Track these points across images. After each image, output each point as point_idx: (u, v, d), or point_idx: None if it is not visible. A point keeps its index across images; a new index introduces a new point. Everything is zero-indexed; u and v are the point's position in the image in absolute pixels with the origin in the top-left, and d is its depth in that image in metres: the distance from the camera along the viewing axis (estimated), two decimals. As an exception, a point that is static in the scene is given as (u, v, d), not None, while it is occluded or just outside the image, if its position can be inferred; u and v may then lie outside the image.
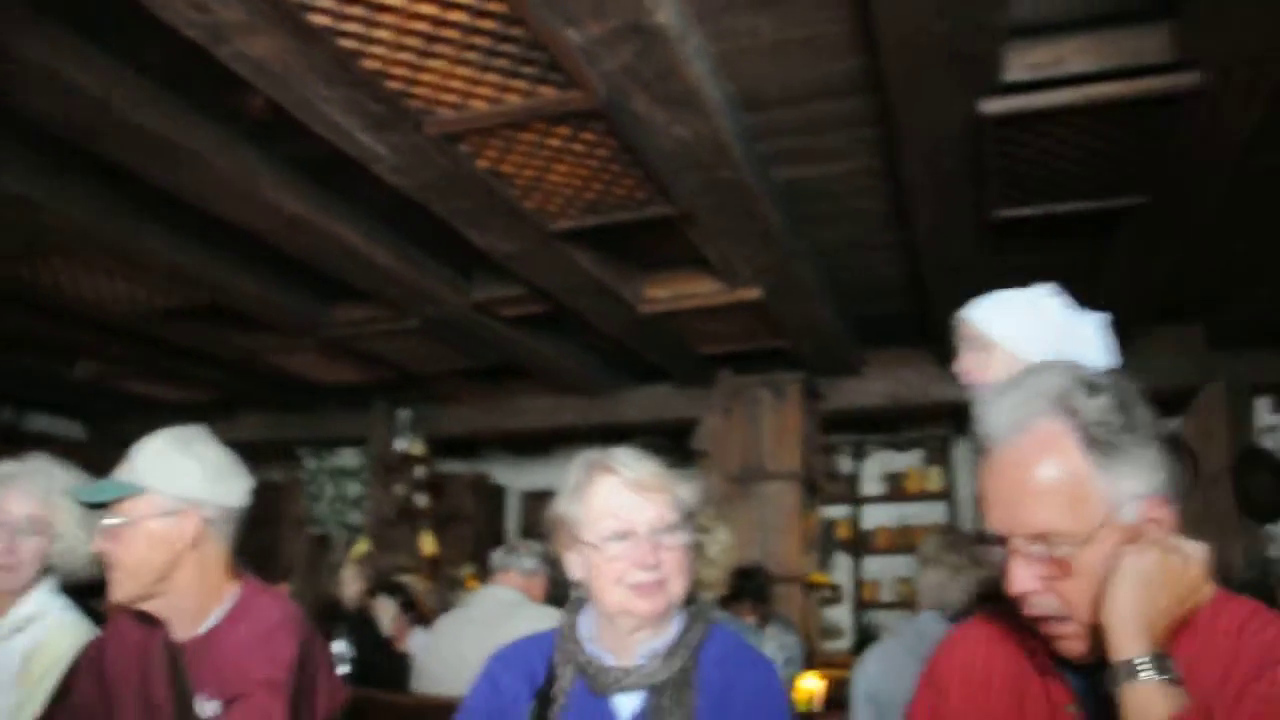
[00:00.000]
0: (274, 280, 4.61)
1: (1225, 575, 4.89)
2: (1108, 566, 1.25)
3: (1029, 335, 2.31)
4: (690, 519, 1.84)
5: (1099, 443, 1.27)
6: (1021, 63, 2.75)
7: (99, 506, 2.08)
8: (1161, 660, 1.18)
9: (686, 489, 1.84)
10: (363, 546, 4.59)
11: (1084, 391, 1.30)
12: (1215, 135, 3.00)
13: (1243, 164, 3.24)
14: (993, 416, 1.33)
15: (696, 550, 3.22)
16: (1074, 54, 2.73)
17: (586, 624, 1.87)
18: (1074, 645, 1.30)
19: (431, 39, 2.43)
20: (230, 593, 2.12)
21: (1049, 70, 2.75)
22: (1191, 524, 4.16)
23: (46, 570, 2.44)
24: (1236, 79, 2.70)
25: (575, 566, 1.84)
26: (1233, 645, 1.24)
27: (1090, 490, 1.27)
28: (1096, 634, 1.25)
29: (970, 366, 2.37)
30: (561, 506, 1.83)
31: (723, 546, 3.42)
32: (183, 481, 2.08)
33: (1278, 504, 5.60)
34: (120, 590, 2.05)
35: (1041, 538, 1.27)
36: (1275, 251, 4.26)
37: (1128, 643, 1.20)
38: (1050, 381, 1.32)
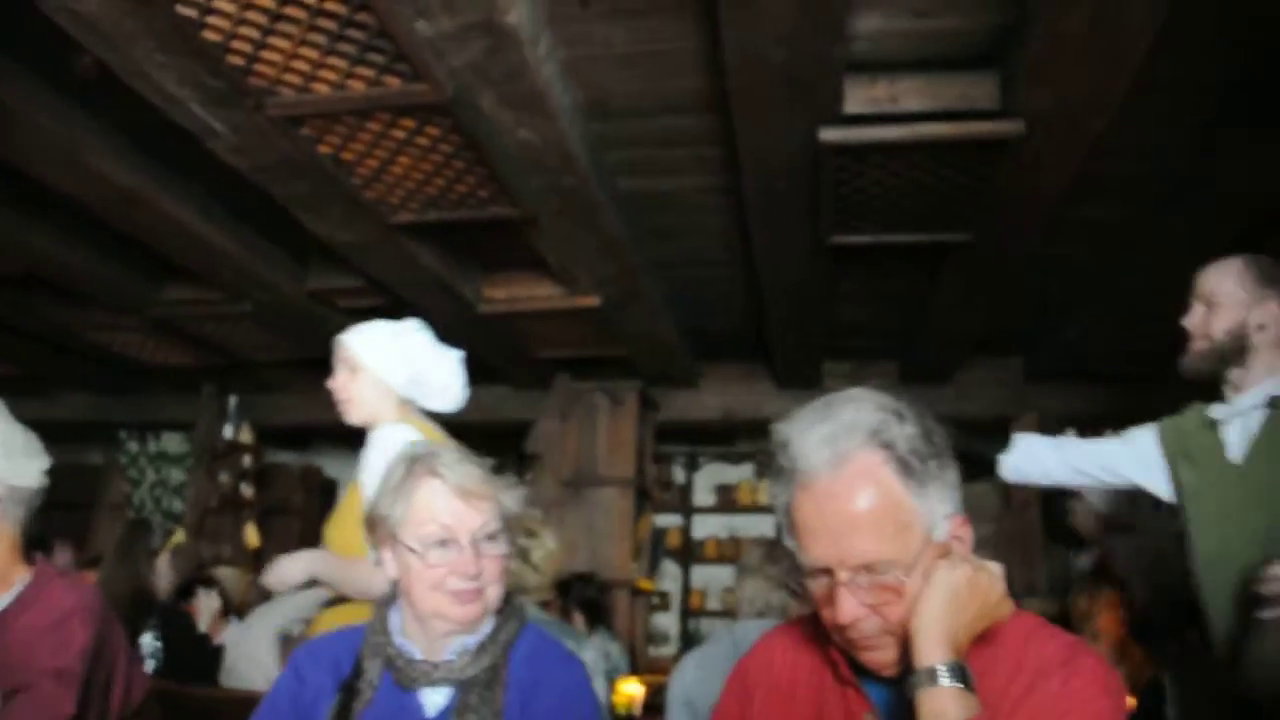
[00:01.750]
0: (99, 253, 4.39)
1: (1029, 595, 5.11)
2: (923, 583, 1.30)
3: (393, 363, 2.68)
4: (511, 526, 1.84)
5: (913, 470, 1.31)
6: (860, 96, 2.85)
7: None
8: (960, 669, 1.24)
9: (510, 495, 1.82)
10: (179, 536, 4.41)
11: (895, 421, 1.33)
12: (1035, 182, 3.16)
13: (1059, 211, 3.42)
14: (808, 450, 1.33)
15: (521, 555, 3.23)
16: (909, 93, 2.84)
17: (397, 618, 1.84)
18: (880, 656, 1.34)
19: (276, 16, 2.37)
20: (20, 578, 2.02)
21: (885, 106, 2.86)
22: (1001, 546, 4.33)
23: None
24: (1056, 130, 2.85)
25: (391, 565, 1.81)
26: (1017, 656, 1.31)
27: (910, 516, 1.30)
28: (904, 645, 1.30)
29: (340, 384, 2.69)
30: (382, 503, 1.80)
31: (547, 552, 3.42)
32: None
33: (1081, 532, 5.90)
34: None
35: (869, 567, 1.30)
36: (1084, 295, 4.51)
37: (931, 651, 1.25)
38: (863, 415, 1.34)
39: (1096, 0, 2.31)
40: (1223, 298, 2.49)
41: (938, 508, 1.33)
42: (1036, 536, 5.81)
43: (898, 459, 1.31)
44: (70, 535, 7.11)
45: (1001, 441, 2.83)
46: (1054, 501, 5.80)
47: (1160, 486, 2.63)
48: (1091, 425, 5.95)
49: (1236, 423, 2.47)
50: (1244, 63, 2.78)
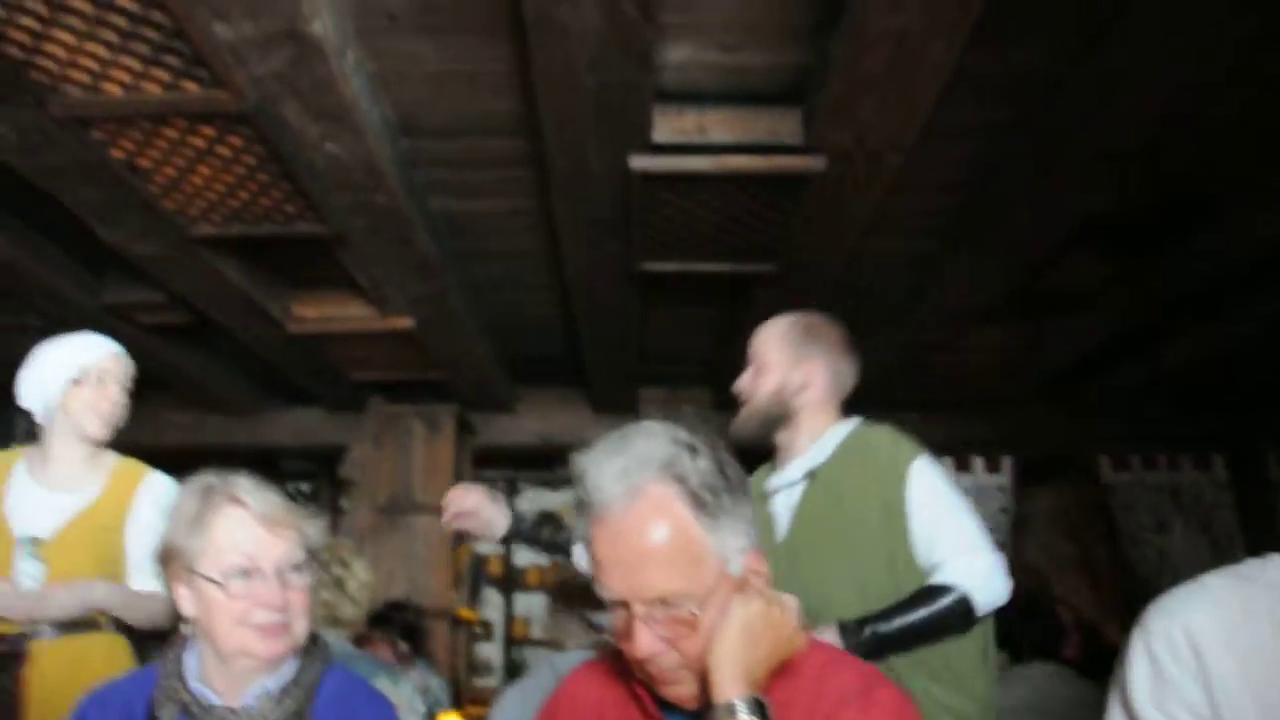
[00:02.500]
0: None
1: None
2: (719, 618, 1.31)
3: None
4: (315, 557, 1.79)
5: (705, 504, 1.33)
6: (669, 126, 2.89)
7: None
8: (758, 703, 1.26)
9: (313, 526, 1.78)
10: None
11: (688, 455, 1.35)
12: (837, 215, 3.27)
13: (860, 244, 3.55)
14: (603, 483, 1.34)
15: (337, 586, 3.14)
16: (716, 125, 2.90)
17: (193, 660, 1.76)
18: (682, 691, 1.35)
19: (58, 7, 2.24)
20: None
21: (693, 137, 2.90)
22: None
23: None
24: (857, 167, 2.96)
25: (187, 602, 1.73)
26: (815, 687, 1.34)
27: (703, 550, 1.32)
28: (703, 679, 1.31)
29: (120, 401, 2.80)
30: (176, 536, 1.72)
31: (362, 582, 3.34)
32: None
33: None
34: None
35: (663, 600, 1.31)
36: (884, 324, 4.68)
37: (729, 686, 1.26)
38: (656, 448, 1.35)
39: (891, 46, 2.41)
40: (767, 359, 2.50)
41: (731, 541, 1.35)
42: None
43: (690, 493, 1.33)
44: None
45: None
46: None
47: None
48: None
49: (782, 495, 2.45)
50: (1025, 107, 2.95)
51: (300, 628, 1.72)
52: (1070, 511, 6.98)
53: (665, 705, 1.41)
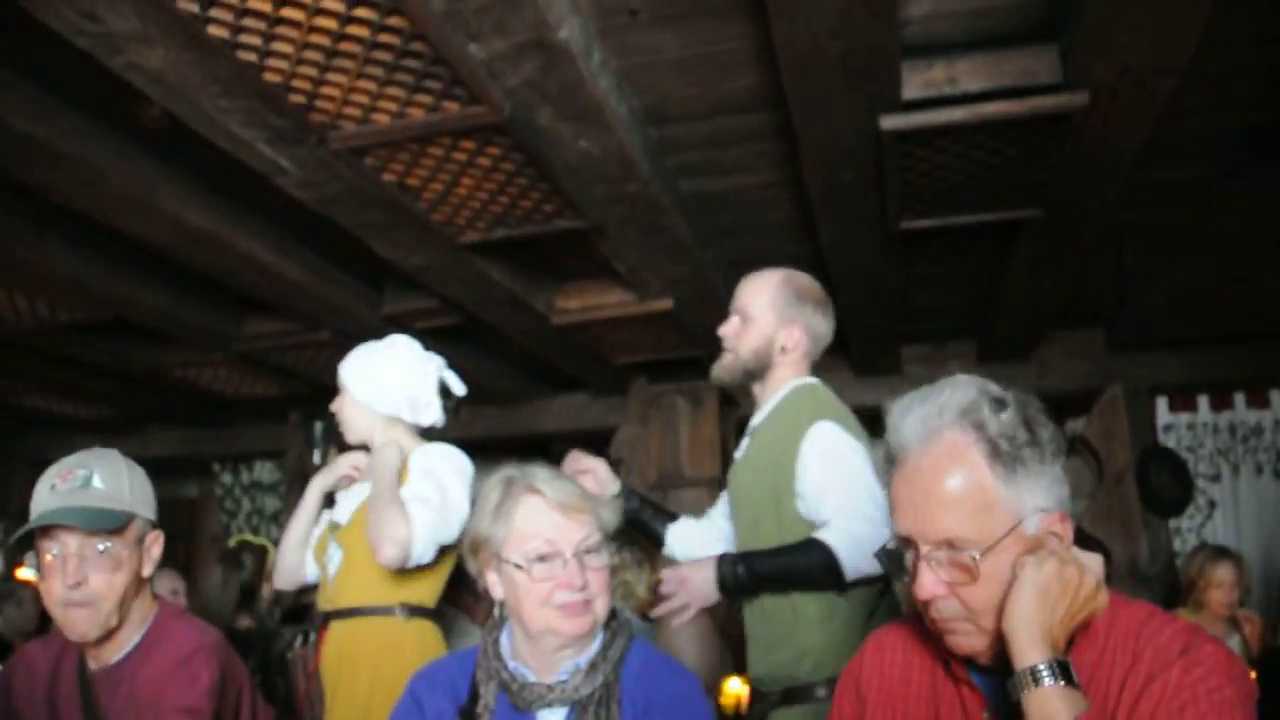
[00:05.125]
0: (181, 294, 4.51)
1: (1132, 568, 5.00)
2: (1010, 576, 1.30)
3: (367, 383, 2.81)
4: (611, 539, 1.87)
5: (1003, 455, 1.33)
6: (917, 81, 2.81)
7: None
8: (1062, 666, 1.23)
9: (607, 510, 1.88)
10: (273, 553, 4.30)
11: (990, 406, 1.36)
12: (1104, 151, 3.09)
13: (1131, 178, 3.34)
14: (905, 427, 1.38)
15: (639, 567, 3.28)
16: (966, 74, 2.80)
17: (507, 641, 1.88)
18: (963, 641, 1.36)
19: (332, 53, 2.41)
20: (148, 618, 2.09)
21: (944, 89, 2.81)
22: (1099, 521, 4.26)
23: None
24: (1123, 98, 2.78)
25: (496, 586, 1.85)
26: (1131, 648, 1.30)
27: (994, 500, 1.32)
28: (1000, 642, 1.30)
29: (333, 406, 2.87)
30: (482, 526, 1.84)
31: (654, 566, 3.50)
32: (149, 502, 2.08)
33: (1178, 499, 5.78)
34: (94, 624, 1.98)
35: (947, 544, 1.32)
36: (1163, 258, 4.40)
37: (1028, 650, 1.25)
38: (959, 396, 1.38)
39: (1154, -37, 2.26)
40: (754, 313, 2.59)
41: (1029, 499, 1.33)
42: (1135, 509, 5.68)
43: (987, 441, 1.34)
44: (173, 567, 7.32)
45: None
46: (1150, 472, 5.69)
47: None
48: (1181, 391, 5.83)
49: (741, 449, 2.66)
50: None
51: (601, 605, 1.81)
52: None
53: (974, 669, 1.41)
